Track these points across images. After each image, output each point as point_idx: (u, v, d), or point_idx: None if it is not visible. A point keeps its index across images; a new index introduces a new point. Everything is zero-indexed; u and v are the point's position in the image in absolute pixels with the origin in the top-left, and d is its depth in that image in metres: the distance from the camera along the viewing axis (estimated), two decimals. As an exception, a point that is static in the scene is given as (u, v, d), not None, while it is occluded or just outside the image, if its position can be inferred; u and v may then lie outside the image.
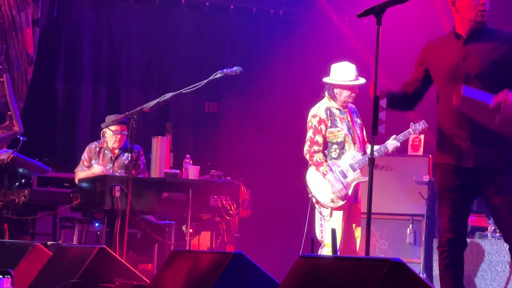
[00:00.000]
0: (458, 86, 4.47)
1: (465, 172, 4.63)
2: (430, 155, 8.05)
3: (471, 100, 4.44)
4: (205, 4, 9.80)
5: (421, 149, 8.13)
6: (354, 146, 6.45)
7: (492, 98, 4.42)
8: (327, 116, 6.45)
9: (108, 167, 7.42)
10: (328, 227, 6.32)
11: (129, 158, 7.23)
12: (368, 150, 6.53)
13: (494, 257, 6.55)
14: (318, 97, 6.64)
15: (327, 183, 6.37)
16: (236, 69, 6.48)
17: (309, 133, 6.47)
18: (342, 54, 7.29)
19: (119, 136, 7.41)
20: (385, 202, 7.86)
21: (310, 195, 6.49)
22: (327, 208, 6.38)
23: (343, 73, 6.49)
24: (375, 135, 4.21)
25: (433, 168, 4.94)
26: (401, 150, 7.89)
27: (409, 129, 6.58)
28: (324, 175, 6.35)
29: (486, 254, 6.58)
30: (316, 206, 6.44)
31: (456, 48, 4.67)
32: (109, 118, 7.12)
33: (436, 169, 4.82)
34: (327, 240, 6.28)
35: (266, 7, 10.02)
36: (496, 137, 4.58)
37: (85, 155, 7.57)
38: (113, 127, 7.39)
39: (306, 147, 6.47)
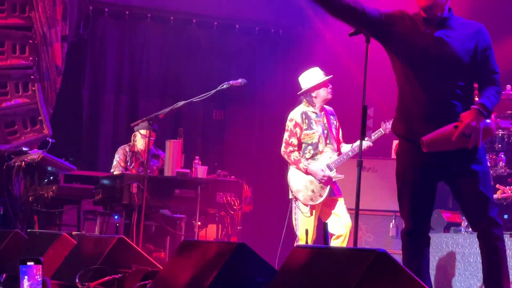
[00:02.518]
0: (421, 141, 4.01)
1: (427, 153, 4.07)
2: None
3: (434, 139, 4.00)
4: (214, 24, 9.83)
5: (404, 153, 8.11)
6: (326, 146, 6.35)
7: (451, 126, 3.97)
8: (302, 120, 6.37)
9: (140, 171, 7.42)
10: (301, 222, 6.27)
11: (158, 164, 7.23)
12: (343, 149, 6.48)
13: (466, 250, 6.53)
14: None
15: (306, 181, 6.29)
16: (241, 81, 6.48)
17: (285, 135, 6.39)
18: (334, 68, 7.28)
19: (147, 139, 7.42)
20: (371, 199, 7.85)
21: (290, 193, 6.37)
22: (307, 206, 6.31)
23: (312, 76, 6.44)
24: (363, 140, 4.20)
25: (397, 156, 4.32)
26: (385, 154, 7.90)
27: (380, 129, 6.48)
28: (305, 170, 6.25)
29: (460, 247, 6.57)
30: (296, 203, 6.32)
31: (425, 32, 4.12)
32: (144, 124, 7.11)
33: (399, 158, 4.26)
34: (300, 234, 6.23)
35: (267, 27, 10.07)
36: None
37: (120, 157, 7.54)
38: (143, 131, 7.37)
39: (282, 148, 6.38)
